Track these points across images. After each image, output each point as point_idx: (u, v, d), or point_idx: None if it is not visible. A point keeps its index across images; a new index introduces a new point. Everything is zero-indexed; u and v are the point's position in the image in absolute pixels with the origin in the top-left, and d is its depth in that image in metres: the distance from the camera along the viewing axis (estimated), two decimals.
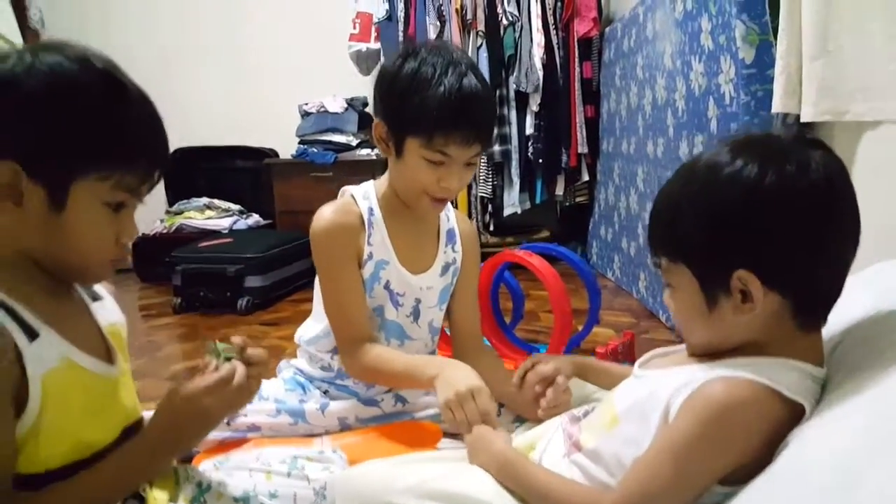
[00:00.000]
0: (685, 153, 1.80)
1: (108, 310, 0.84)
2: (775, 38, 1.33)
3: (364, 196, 1.19)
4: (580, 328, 1.86)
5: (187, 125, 3.58)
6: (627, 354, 1.63)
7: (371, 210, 1.17)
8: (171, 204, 3.42)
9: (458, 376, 0.99)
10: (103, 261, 0.74)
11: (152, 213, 3.31)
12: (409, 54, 1.09)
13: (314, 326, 1.27)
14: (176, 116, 3.61)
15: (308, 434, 1.21)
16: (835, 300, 0.69)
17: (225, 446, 1.12)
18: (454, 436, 1.17)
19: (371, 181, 1.22)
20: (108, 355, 0.79)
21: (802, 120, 1.27)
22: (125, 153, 0.70)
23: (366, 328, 1.17)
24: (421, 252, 1.23)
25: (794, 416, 0.66)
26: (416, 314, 1.23)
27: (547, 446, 0.89)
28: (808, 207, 0.65)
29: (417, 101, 1.03)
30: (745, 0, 1.39)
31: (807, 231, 0.66)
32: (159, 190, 3.60)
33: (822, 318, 0.70)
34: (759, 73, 1.38)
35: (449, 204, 1.28)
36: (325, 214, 1.16)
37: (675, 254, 0.73)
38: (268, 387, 1.27)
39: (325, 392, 1.26)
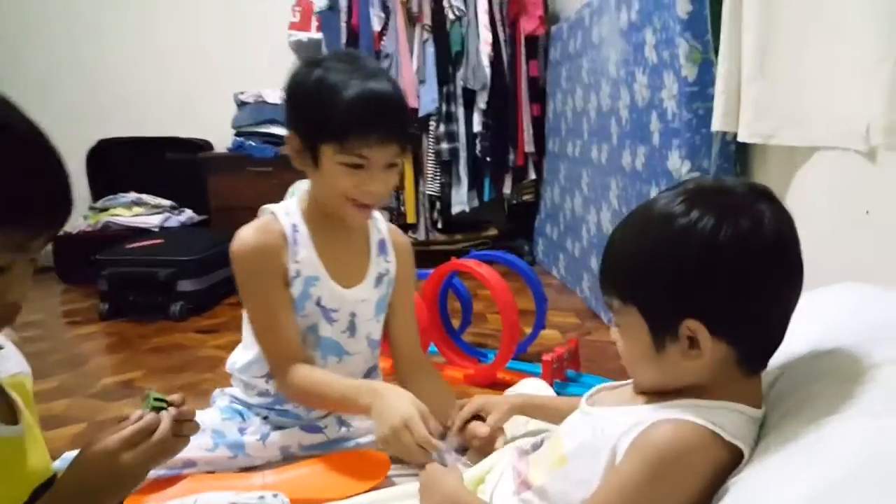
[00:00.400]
0: (628, 162, 1.82)
1: (9, 360, 0.76)
2: (717, 57, 1.34)
3: (286, 212, 1.16)
4: (527, 330, 1.88)
5: (112, 114, 3.40)
6: (572, 361, 1.66)
7: (295, 227, 1.15)
8: (95, 200, 3.22)
9: (391, 408, 0.97)
10: None
11: (74, 209, 3.09)
12: (314, 63, 1.07)
13: (245, 354, 1.23)
14: (100, 104, 3.46)
15: (249, 466, 1.16)
16: (777, 347, 0.71)
17: (159, 485, 1.06)
18: (403, 462, 1.16)
19: (294, 197, 1.20)
20: (10, 415, 0.71)
21: (739, 139, 1.29)
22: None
23: (297, 348, 1.14)
24: (352, 265, 1.21)
25: (733, 459, 0.68)
26: (352, 329, 1.20)
27: (498, 481, 0.89)
28: (760, 263, 0.66)
29: (327, 107, 1.03)
30: (688, 19, 1.40)
31: (758, 285, 0.67)
32: (81, 184, 3.41)
33: (765, 364, 0.72)
34: (701, 91, 1.40)
35: (380, 215, 1.28)
36: (246, 235, 1.13)
37: (626, 296, 0.73)
38: (203, 417, 1.20)
39: (265, 418, 1.21)
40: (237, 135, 3.14)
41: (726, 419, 0.68)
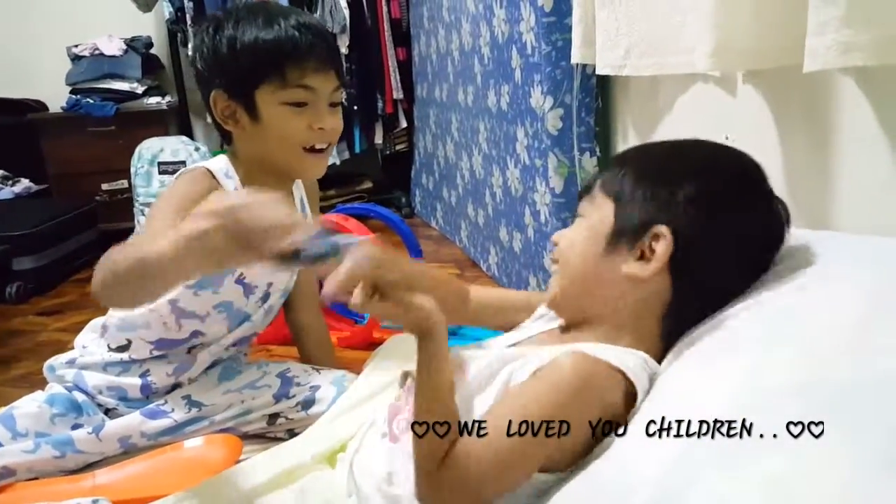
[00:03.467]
0: (493, 103, 1.75)
1: None
2: None
3: (226, 174, 1.02)
4: None
5: None
6: None
7: (237, 190, 1.02)
8: None
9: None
10: None
11: None
12: (218, 19, 1.01)
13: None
14: None
15: (84, 465, 1.02)
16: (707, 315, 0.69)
17: None
18: (259, 438, 1.10)
19: (220, 158, 1.05)
20: None
21: (598, 72, 1.25)
22: None
23: None
24: None
25: (628, 401, 0.66)
26: (265, 298, 1.13)
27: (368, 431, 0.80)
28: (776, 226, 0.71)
29: (257, 44, 0.97)
30: None
31: (751, 245, 0.69)
32: None
33: (685, 331, 0.70)
34: (559, 21, 1.34)
35: None
36: (192, 175, 1.00)
37: (610, 186, 0.73)
38: (25, 417, 1.02)
39: (109, 411, 1.08)
40: (73, 92, 2.79)
41: (631, 362, 0.67)
